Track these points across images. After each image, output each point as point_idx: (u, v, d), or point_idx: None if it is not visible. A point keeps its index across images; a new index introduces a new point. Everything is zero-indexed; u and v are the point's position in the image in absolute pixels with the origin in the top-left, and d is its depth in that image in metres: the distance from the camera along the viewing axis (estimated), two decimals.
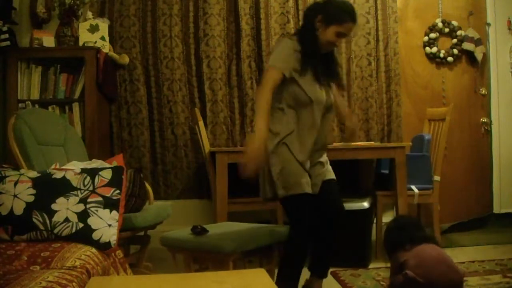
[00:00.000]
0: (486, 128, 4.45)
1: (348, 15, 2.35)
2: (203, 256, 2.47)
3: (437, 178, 3.60)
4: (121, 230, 2.22)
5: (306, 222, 2.34)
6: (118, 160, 2.72)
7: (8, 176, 2.11)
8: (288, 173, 2.35)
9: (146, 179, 3.56)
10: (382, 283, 2.86)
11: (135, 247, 3.20)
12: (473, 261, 3.30)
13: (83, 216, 2.04)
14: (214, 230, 2.50)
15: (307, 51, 2.37)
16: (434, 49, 4.33)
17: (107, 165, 2.28)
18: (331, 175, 2.56)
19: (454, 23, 4.35)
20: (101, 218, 2.06)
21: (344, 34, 2.38)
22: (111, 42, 3.96)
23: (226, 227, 2.63)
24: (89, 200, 2.08)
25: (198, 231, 2.42)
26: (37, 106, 3.58)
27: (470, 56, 4.37)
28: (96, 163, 2.39)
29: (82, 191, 2.10)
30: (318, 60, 2.41)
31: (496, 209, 4.43)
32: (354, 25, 2.38)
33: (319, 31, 2.37)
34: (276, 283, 2.32)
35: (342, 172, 4.04)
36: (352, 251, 3.29)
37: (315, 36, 2.38)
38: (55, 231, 2.01)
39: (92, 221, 2.04)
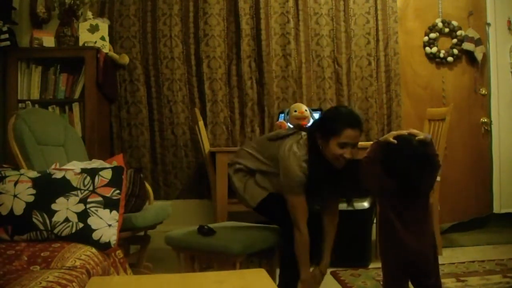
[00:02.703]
0: (486, 128, 4.45)
1: (343, 123, 2.23)
2: (209, 257, 2.47)
3: (437, 178, 3.60)
4: (121, 230, 2.22)
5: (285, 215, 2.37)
6: (118, 160, 2.72)
7: (8, 176, 2.11)
8: (250, 185, 2.48)
9: (146, 179, 3.56)
10: (382, 283, 2.86)
11: (135, 247, 3.20)
12: (473, 261, 3.31)
13: (83, 216, 2.04)
14: (221, 230, 2.49)
15: (313, 177, 2.29)
16: (434, 49, 4.33)
17: (107, 165, 2.28)
18: None
19: (454, 23, 4.35)
20: (101, 218, 2.06)
21: (347, 143, 2.24)
22: (111, 42, 3.96)
23: (231, 228, 2.62)
24: (89, 200, 2.08)
25: (205, 231, 2.41)
26: (37, 106, 3.58)
27: (470, 56, 4.37)
28: (96, 163, 2.39)
29: (82, 191, 2.10)
30: (324, 180, 2.32)
31: (496, 209, 4.43)
32: (355, 131, 2.24)
33: (323, 149, 2.29)
34: (279, 285, 2.32)
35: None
36: (352, 251, 3.29)
37: (321, 158, 2.30)
38: (55, 231, 2.01)
39: (92, 221, 2.04)
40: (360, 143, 2.74)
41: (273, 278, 2.49)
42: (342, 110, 2.37)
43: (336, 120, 2.27)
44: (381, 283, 2.84)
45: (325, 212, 2.52)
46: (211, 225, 2.51)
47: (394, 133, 2.00)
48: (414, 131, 2.00)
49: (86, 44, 3.69)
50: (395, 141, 1.94)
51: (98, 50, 3.64)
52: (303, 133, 2.41)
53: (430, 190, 2.03)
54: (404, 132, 2.00)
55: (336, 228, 2.52)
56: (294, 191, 2.31)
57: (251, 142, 2.69)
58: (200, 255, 2.48)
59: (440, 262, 2.06)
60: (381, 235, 2.06)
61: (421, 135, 1.95)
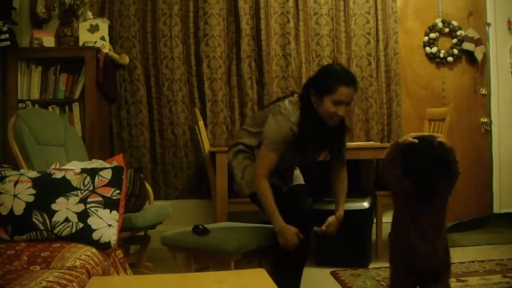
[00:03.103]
0: (486, 128, 4.45)
1: (338, 81, 2.20)
2: (204, 256, 2.47)
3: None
4: (121, 230, 2.22)
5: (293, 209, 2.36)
6: (118, 160, 2.72)
7: (8, 176, 2.12)
8: (248, 172, 2.43)
9: (146, 179, 3.56)
10: (382, 283, 2.86)
11: (135, 247, 3.21)
12: (473, 261, 3.31)
13: (83, 216, 2.04)
14: (216, 230, 2.50)
15: (306, 134, 2.26)
16: (434, 49, 4.33)
17: (107, 165, 2.28)
18: (299, 180, 2.61)
19: (454, 23, 4.35)
20: (101, 218, 2.06)
21: (341, 101, 2.21)
22: (111, 42, 3.96)
23: (227, 227, 2.63)
24: (89, 200, 2.08)
25: (200, 231, 2.42)
26: (37, 106, 3.58)
27: (470, 56, 4.37)
28: (96, 163, 2.39)
29: (82, 191, 2.10)
30: (315, 140, 2.31)
31: (496, 209, 4.43)
32: (349, 89, 2.21)
33: (316, 106, 2.26)
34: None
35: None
36: (352, 251, 3.29)
37: (314, 115, 2.26)
38: (55, 231, 2.01)
39: (92, 221, 2.04)
40: (360, 143, 2.72)
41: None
42: (337, 67, 2.36)
43: (331, 77, 2.23)
44: (382, 283, 2.84)
45: (331, 166, 2.49)
46: (207, 225, 2.52)
47: (413, 134, 2.00)
48: (436, 134, 1.99)
49: (86, 44, 3.70)
50: (416, 141, 1.94)
51: (98, 50, 3.64)
52: (296, 94, 2.40)
53: (448, 196, 2.02)
54: (426, 134, 2.00)
55: (346, 179, 2.50)
56: (273, 146, 2.27)
57: (249, 120, 2.68)
58: (195, 255, 2.48)
59: None
60: (394, 237, 2.01)
61: (442, 138, 1.96)
